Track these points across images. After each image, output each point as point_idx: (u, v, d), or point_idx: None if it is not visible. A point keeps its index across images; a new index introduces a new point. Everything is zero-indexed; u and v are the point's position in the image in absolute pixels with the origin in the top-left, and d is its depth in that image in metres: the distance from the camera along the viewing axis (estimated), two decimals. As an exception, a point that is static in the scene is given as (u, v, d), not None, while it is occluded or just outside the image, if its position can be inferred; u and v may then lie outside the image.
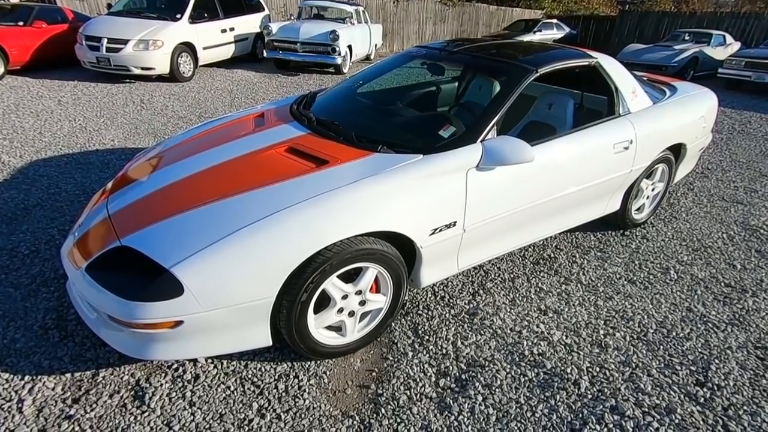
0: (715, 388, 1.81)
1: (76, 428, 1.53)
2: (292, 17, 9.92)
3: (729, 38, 11.12)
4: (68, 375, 1.74)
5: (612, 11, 20.82)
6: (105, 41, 6.49)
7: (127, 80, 6.96)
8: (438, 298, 2.30)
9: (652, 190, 3.03)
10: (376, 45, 11.01)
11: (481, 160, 1.91)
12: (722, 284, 2.53)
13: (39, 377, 1.72)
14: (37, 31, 6.97)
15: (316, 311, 1.76)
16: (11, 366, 1.76)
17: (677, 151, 3.01)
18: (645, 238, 3.00)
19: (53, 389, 1.67)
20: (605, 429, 1.61)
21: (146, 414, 1.60)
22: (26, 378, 1.71)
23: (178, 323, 1.48)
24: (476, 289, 2.39)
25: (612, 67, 2.57)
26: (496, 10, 17.36)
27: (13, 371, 1.73)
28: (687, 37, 11.16)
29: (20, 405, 1.60)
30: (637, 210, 3.03)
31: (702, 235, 3.08)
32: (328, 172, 1.78)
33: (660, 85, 3.26)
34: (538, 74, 2.24)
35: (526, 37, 13.57)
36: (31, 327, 1.96)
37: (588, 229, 3.03)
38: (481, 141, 1.96)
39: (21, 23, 6.89)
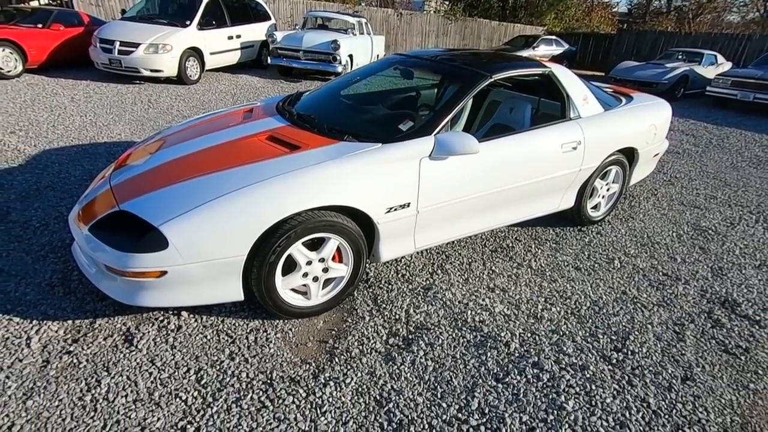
0: (629, 353, 2.07)
1: (74, 361, 1.82)
2: (297, 27, 10.35)
3: (721, 58, 11.44)
4: (69, 321, 2.03)
5: (612, 29, 21.26)
6: (118, 44, 6.90)
7: (137, 81, 7.35)
8: (399, 275, 2.58)
9: (608, 190, 3.31)
10: (377, 55, 11.39)
11: (433, 150, 2.21)
12: (660, 273, 2.79)
13: (44, 322, 2.01)
14: (54, 33, 7.40)
15: (285, 275, 2.04)
16: (22, 312, 2.05)
17: (631, 155, 3.30)
18: (599, 233, 3.27)
19: (56, 331, 1.97)
20: (524, 379, 1.88)
21: (134, 353, 1.88)
22: (34, 322, 2.00)
23: (163, 273, 1.77)
24: (435, 269, 2.66)
25: (564, 76, 2.88)
26: (498, 25, 17.83)
27: (23, 316, 2.03)
28: (680, 56, 11.50)
29: (28, 341, 1.89)
30: (593, 208, 3.30)
31: (653, 233, 3.35)
32: (298, 156, 2.08)
33: (619, 95, 3.56)
34: (492, 80, 2.54)
35: (525, 52, 13.95)
36: (39, 284, 2.26)
37: (549, 224, 3.31)
38: (434, 134, 2.26)
39: (40, 25, 7.33)
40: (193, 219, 1.77)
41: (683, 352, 2.11)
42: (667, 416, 1.76)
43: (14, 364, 1.78)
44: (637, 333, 2.21)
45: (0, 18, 7.61)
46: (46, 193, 3.26)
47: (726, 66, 11.31)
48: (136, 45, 6.92)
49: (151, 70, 7.08)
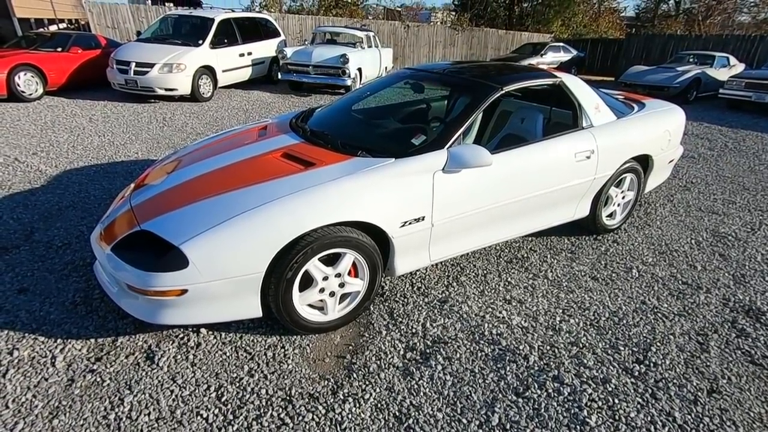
0: (651, 365, 2.03)
1: (98, 379, 1.85)
2: (306, 42, 10.53)
3: (733, 60, 11.30)
4: (92, 340, 2.07)
5: (620, 34, 21.18)
6: (133, 65, 7.10)
7: (152, 100, 7.53)
8: (414, 288, 2.57)
9: (623, 198, 3.28)
10: (386, 68, 11.51)
11: (446, 163, 2.22)
12: (680, 282, 2.74)
13: (69, 340, 2.05)
14: (73, 56, 7.65)
15: (302, 291, 2.06)
16: (46, 332, 2.10)
17: (645, 162, 3.26)
18: (615, 242, 3.23)
19: (80, 350, 2.00)
20: (545, 393, 1.85)
21: (155, 370, 1.91)
22: (58, 340, 2.05)
23: (184, 291, 1.80)
24: (450, 281, 2.66)
25: (575, 85, 2.88)
26: (505, 33, 17.90)
27: (48, 335, 2.08)
28: (691, 59, 11.39)
29: (53, 360, 1.93)
30: (608, 216, 3.27)
31: (671, 240, 3.29)
32: (314, 172, 2.11)
33: (631, 102, 3.54)
34: (503, 92, 2.55)
35: (534, 60, 13.96)
36: (62, 303, 2.31)
37: (563, 233, 3.28)
38: (447, 148, 2.27)
39: (59, 49, 7.58)
40: (213, 237, 1.80)
41: (708, 363, 2.06)
42: (693, 430, 1.71)
43: (40, 383, 1.81)
44: (659, 344, 2.17)
45: (22, 43, 7.90)
46: (67, 212, 3.34)
47: (739, 68, 11.16)
48: (151, 65, 7.11)
49: (166, 89, 7.25)
